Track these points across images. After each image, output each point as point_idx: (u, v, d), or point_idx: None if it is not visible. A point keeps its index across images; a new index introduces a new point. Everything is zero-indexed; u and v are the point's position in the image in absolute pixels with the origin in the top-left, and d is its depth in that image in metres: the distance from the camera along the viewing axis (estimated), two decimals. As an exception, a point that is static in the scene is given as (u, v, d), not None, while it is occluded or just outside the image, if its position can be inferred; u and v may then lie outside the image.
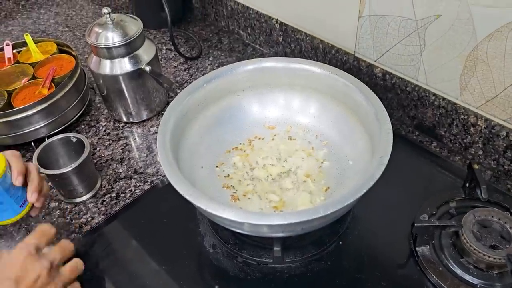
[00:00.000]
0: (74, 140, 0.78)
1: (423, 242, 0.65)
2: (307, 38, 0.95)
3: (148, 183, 0.80)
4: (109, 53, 0.83)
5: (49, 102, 0.85)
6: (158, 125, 0.90)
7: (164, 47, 1.13)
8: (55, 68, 0.92)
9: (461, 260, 0.62)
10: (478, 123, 0.74)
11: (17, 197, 0.63)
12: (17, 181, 0.62)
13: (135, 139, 0.90)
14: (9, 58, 0.97)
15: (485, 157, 0.76)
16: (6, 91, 0.88)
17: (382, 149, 0.59)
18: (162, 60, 1.09)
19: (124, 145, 0.89)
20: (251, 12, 1.05)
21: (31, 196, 0.63)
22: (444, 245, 0.64)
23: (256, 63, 0.74)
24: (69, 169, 0.72)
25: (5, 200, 0.62)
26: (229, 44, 1.13)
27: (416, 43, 0.75)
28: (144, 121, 0.93)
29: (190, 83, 1.01)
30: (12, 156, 0.63)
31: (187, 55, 1.08)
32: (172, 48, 1.10)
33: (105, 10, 0.81)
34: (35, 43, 0.99)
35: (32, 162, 0.70)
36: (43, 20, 1.29)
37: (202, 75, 1.03)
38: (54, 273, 0.56)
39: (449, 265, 0.62)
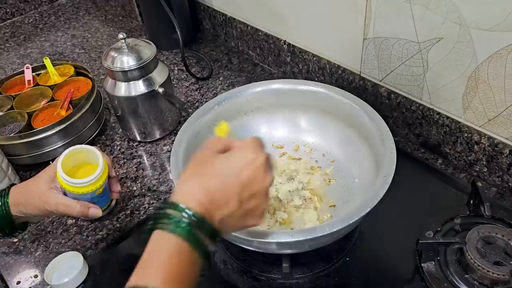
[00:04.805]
0: (91, 159, 0.81)
1: (428, 259, 0.66)
2: (314, 58, 0.98)
3: (161, 201, 0.83)
4: (124, 76, 0.86)
5: (67, 123, 0.89)
6: (171, 144, 0.95)
7: (176, 68, 1.17)
8: (72, 90, 0.96)
9: (466, 276, 0.64)
10: (482, 141, 0.75)
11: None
12: (113, 172, 0.71)
13: (148, 157, 0.93)
14: (29, 81, 1.02)
15: (489, 174, 0.78)
16: (27, 112, 0.92)
17: (386, 169, 0.61)
18: (174, 80, 1.13)
19: (138, 163, 0.92)
20: (260, 33, 1.09)
21: (118, 187, 0.72)
22: (449, 261, 0.66)
23: (264, 85, 0.77)
24: (86, 188, 0.76)
25: (106, 192, 0.70)
26: (238, 64, 1.17)
27: (419, 64, 0.77)
28: (157, 140, 0.96)
29: (201, 102, 1.05)
30: (99, 151, 0.68)
31: (198, 76, 1.12)
32: (184, 68, 1.14)
33: (120, 36, 0.85)
34: (53, 66, 1.04)
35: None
36: (60, 43, 1.34)
37: (213, 94, 1.07)
38: (269, 190, 0.53)
39: (454, 281, 0.64)
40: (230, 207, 0.48)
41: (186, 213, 0.45)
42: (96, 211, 0.67)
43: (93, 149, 0.68)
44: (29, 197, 0.65)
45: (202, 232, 0.45)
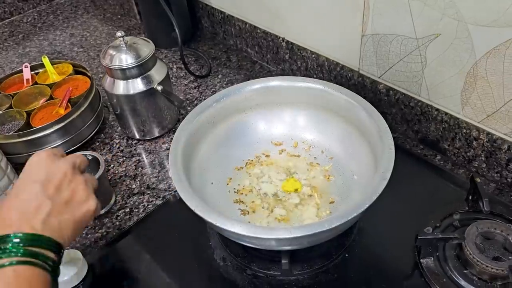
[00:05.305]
0: (90, 158, 0.81)
1: (427, 254, 0.66)
2: (313, 55, 0.98)
3: (161, 198, 0.83)
4: (122, 74, 0.86)
5: (66, 122, 0.89)
6: (170, 141, 0.95)
7: (175, 66, 1.17)
8: (71, 89, 0.96)
9: (465, 271, 0.64)
10: (480, 137, 0.75)
11: None
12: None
13: (147, 155, 0.93)
14: (27, 80, 1.02)
15: (488, 170, 0.78)
16: (25, 111, 0.92)
17: (384, 165, 0.61)
18: (173, 78, 1.13)
19: (137, 161, 0.92)
20: (258, 31, 1.09)
21: None
22: (448, 257, 0.66)
23: (262, 83, 0.77)
24: (85, 186, 0.75)
25: None
26: (237, 62, 1.17)
27: (418, 61, 0.77)
28: (156, 138, 0.96)
29: (200, 100, 1.05)
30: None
31: (197, 73, 1.12)
32: (183, 66, 1.14)
33: (118, 34, 0.85)
34: (52, 64, 1.03)
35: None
36: (58, 42, 1.34)
37: (212, 92, 1.07)
38: (77, 172, 0.56)
39: (453, 276, 0.64)
40: (45, 208, 0.49)
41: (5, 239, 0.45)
42: None
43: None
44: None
45: (30, 246, 0.45)
